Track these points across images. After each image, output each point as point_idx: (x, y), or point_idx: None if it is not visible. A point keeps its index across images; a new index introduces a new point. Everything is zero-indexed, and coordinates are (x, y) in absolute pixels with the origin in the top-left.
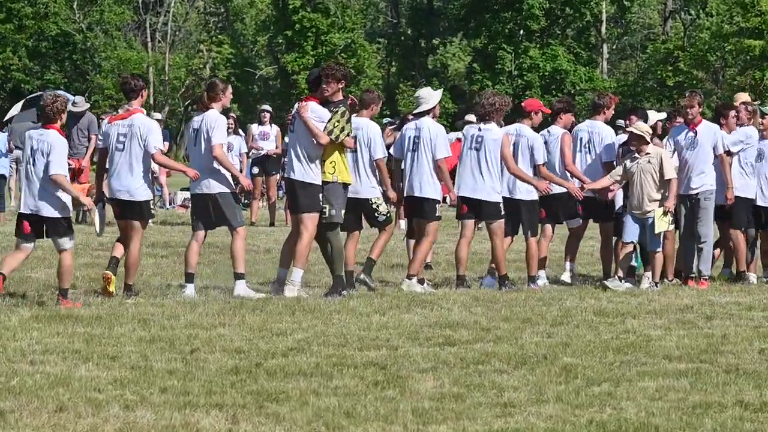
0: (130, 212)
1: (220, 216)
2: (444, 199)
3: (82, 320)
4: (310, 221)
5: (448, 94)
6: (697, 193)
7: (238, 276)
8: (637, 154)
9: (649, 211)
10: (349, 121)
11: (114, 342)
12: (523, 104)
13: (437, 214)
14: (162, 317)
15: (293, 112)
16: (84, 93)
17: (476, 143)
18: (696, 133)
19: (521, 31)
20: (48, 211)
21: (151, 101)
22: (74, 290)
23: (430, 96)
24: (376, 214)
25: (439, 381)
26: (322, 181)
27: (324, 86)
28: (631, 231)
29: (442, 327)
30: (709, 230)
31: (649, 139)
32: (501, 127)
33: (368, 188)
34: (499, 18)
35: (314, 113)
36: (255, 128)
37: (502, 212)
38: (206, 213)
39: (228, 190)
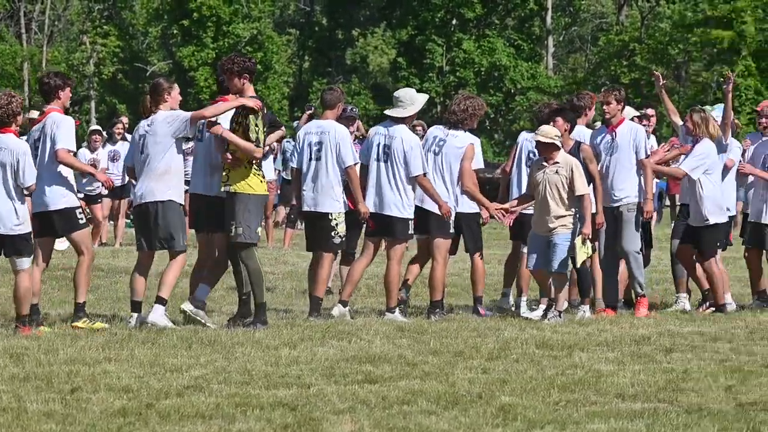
0: (49, 227)
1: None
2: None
3: None
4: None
5: (369, 93)
6: (619, 206)
7: (160, 300)
8: (545, 162)
9: (553, 229)
10: (262, 119)
11: None
12: None
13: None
14: (38, 351)
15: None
16: None
17: (437, 146)
18: (615, 135)
19: (454, 21)
20: (4, 227)
21: (27, 102)
22: None
23: (413, 100)
24: (332, 234)
25: (358, 424)
26: (229, 193)
27: (226, 84)
28: (533, 256)
29: (361, 362)
30: (634, 246)
31: (559, 145)
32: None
33: (330, 201)
34: (428, 5)
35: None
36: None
37: (451, 229)
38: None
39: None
